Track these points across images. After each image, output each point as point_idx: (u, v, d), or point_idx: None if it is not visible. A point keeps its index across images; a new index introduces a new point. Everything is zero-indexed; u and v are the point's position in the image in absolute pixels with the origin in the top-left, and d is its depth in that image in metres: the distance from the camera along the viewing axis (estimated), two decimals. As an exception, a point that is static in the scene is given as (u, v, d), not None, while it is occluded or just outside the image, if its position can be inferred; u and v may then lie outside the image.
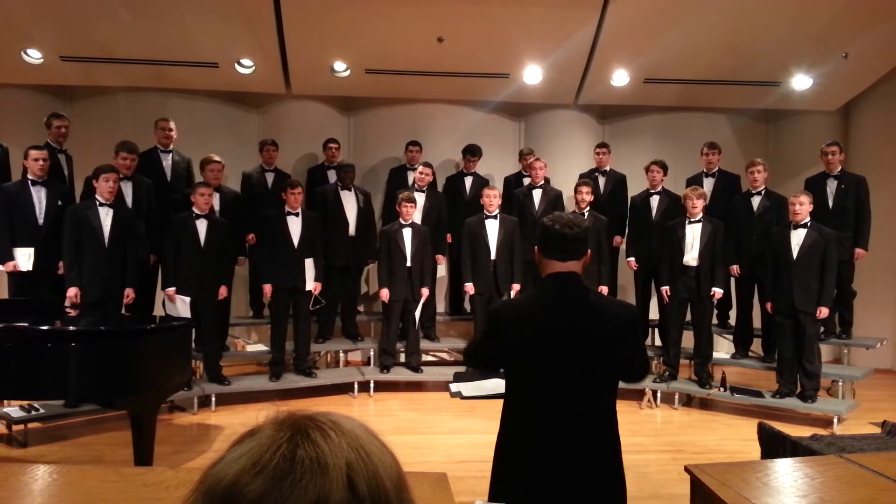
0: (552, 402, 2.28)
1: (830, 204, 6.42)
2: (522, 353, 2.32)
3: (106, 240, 5.36)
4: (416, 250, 6.53)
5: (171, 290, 5.74)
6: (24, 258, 5.39)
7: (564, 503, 2.27)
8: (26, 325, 4.03)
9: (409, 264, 6.51)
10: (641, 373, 2.53)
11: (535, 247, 2.40)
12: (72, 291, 5.27)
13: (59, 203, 5.52)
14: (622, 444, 2.38)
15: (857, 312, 6.71)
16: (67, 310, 5.08)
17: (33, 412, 5.15)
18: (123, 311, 5.79)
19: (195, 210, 5.82)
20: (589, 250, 2.41)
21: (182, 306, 5.71)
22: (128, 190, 5.91)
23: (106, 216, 5.38)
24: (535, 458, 2.27)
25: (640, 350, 2.51)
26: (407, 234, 6.52)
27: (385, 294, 6.52)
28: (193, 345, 5.89)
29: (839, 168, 6.47)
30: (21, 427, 5.13)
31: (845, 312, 6.61)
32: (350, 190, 6.91)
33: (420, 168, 7.08)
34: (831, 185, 6.46)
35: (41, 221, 5.44)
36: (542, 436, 2.28)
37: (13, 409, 5.15)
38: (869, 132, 7.96)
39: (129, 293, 5.53)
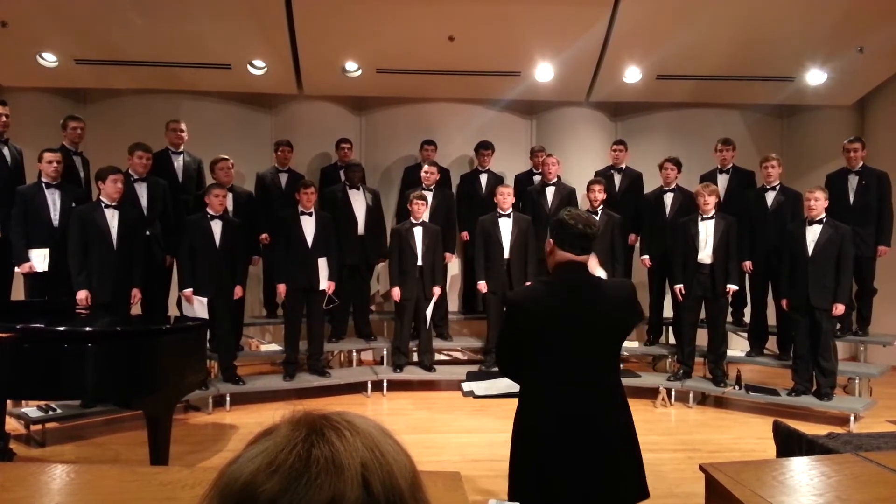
0: (568, 377, 2.50)
1: (852, 200, 6.34)
2: (540, 333, 2.55)
3: (114, 241, 5.38)
4: (427, 249, 6.53)
5: (189, 290, 5.78)
6: (40, 259, 5.43)
7: (585, 465, 2.45)
8: (43, 325, 4.07)
9: (419, 263, 6.51)
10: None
11: (550, 238, 2.64)
12: (82, 294, 5.25)
13: (74, 205, 5.55)
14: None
15: (874, 309, 6.64)
16: (79, 311, 5.10)
17: (50, 412, 5.20)
18: (137, 311, 5.83)
19: (209, 211, 5.85)
20: None
21: (199, 307, 5.74)
22: (142, 191, 5.96)
23: (112, 218, 5.39)
24: (549, 427, 2.48)
25: (639, 312, 2.93)
26: (418, 232, 6.53)
27: (396, 293, 6.53)
28: (208, 345, 5.93)
29: (860, 164, 6.39)
30: (39, 427, 5.18)
31: (865, 309, 6.54)
32: (358, 189, 6.92)
33: (426, 167, 7.09)
34: (852, 182, 6.38)
35: (56, 223, 5.47)
36: (556, 407, 2.48)
37: (31, 410, 5.21)
38: (885, 127, 7.86)
39: (136, 294, 5.56)
